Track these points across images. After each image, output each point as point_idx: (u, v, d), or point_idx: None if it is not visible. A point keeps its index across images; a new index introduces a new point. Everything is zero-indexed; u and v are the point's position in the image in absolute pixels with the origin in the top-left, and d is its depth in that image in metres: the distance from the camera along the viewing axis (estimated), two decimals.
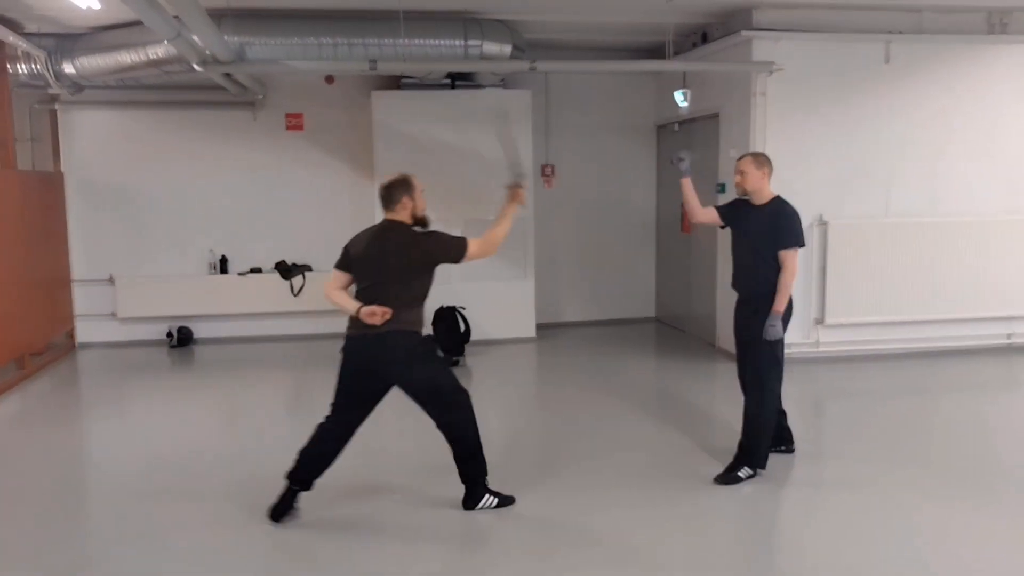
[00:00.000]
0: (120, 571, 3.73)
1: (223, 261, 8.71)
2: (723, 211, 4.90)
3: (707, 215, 4.94)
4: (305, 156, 8.75)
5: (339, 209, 8.85)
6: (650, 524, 4.16)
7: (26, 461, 5.23)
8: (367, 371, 4.07)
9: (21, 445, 5.50)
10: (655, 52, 8.69)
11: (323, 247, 8.56)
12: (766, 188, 4.64)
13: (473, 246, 4.12)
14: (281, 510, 4.12)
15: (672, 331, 9.15)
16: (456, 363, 7.68)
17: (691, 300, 8.78)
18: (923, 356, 7.58)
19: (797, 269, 4.57)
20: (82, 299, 8.61)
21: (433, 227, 4.24)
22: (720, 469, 4.72)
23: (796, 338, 7.52)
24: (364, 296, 4.04)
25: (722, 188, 7.80)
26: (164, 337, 8.67)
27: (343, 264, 4.18)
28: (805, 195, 7.29)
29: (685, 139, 8.75)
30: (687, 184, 4.94)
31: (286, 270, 8.59)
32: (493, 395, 6.98)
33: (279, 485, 4.16)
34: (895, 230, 7.47)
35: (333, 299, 4.11)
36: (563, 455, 5.14)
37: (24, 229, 7.39)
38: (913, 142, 7.48)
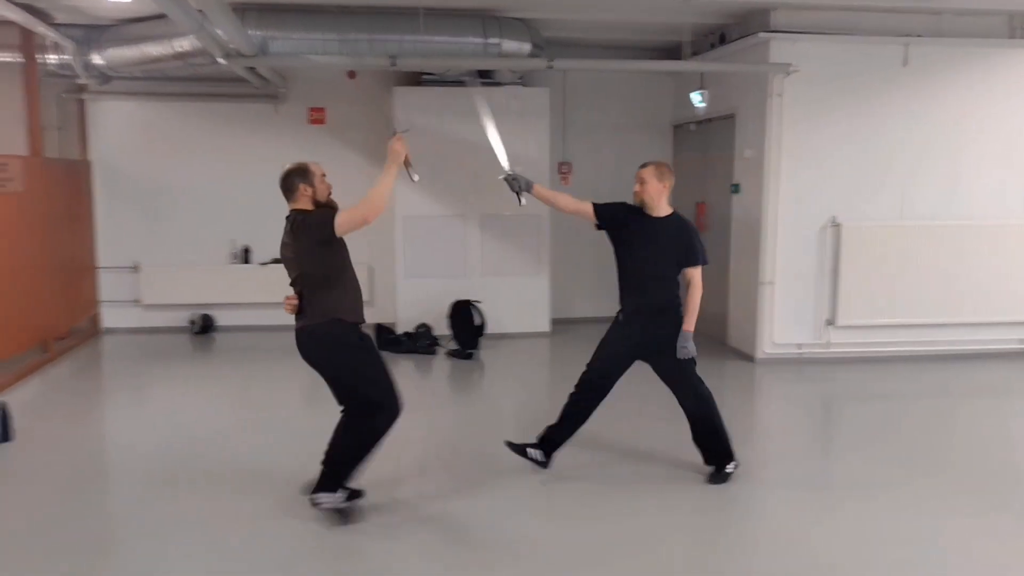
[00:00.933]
0: (137, 554, 3.86)
1: (245, 251, 8.86)
2: (603, 211, 4.63)
3: (580, 207, 4.67)
4: (327, 150, 8.85)
5: (358, 202, 8.95)
6: (649, 523, 4.24)
7: (47, 444, 5.37)
8: (313, 366, 4.10)
9: (42, 428, 5.64)
10: (673, 52, 8.73)
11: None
12: (663, 201, 4.52)
13: (342, 216, 3.93)
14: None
15: None
16: (471, 356, 7.78)
17: (702, 299, 8.80)
18: (936, 359, 7.59)
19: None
20: (107, 285, 8.79)
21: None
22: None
23: (808, 339, 7.55)
24: (295, 288, 4.06)
25: (736, 188, 7.85)
26: (186, 324, 8.83)
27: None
28: (819, 196, 7.37)
29: (700, 139, 8.80)
30: (538, 190, 4.72)
31: None
32: (505, 389, 7.08)
33: (294, 472, 4.27)
34: (910, 233, 7.48)
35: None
36: (567, 450, 5.22)
37: (51, 216, 7.56)
38: (930, 145, 7.48)
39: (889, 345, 7.64)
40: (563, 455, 4.80)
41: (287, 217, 4.06)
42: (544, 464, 4.71)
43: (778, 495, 4.61)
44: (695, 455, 4.78)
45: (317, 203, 4.07)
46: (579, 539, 4.01)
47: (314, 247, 3.96)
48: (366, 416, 4.06)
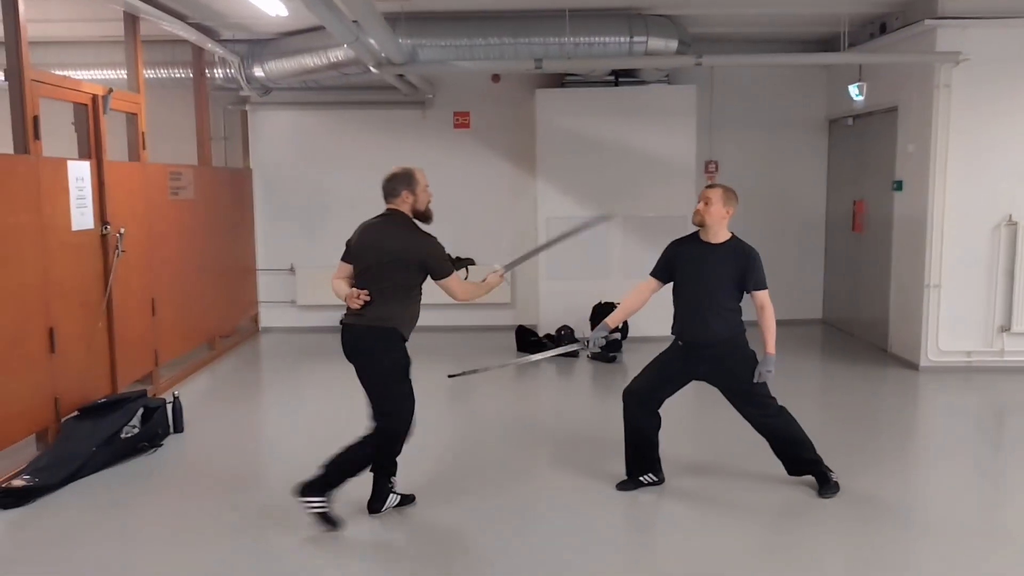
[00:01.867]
0: (287, 543, 4.03)
1: None
2: (660, 273, 4.54)
3: (645, 289, 4.57)
4: (471, 153, 9.02)
5: (502, 205, 9.09)
6: (764, 531, 4.05)
7: (214, 436, 5.71)
8: (354, 364, 4.14)
9: (210, 421, 6.00)
10: (828, 43, 8.35)
11: (487, 241, 8.84)
12: (724, 227, 4.33)
13: (454, 279, 4.08)
14: (375, 503, 4.26)
15: (840, 334, 8.78)
16: (613, 359, 7.70)
17: (861, 302, 8.39)
18: None
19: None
20: (265, 287, 9.27)
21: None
22: (868, 484, 4.55)
23: (978, 346, 7.04)
24: (357, 283, 4.09)
25: (898, 185, 7.41)
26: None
27: (345, 255, 4.23)
28: (992, 193, 6.87)
29: (858, 134, 8.36)
30: (611, 322, 4.66)
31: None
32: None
33: (431, 464, 4.35)
34: None
35: (334, 287, 4.22)
36: (710, 454, 5.06)
37: (218, 221, 8.05)
38: None
39: None
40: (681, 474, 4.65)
41: (390, 216, 4.14)
42: (659, 480, 4.59)
43: (941, 520, 4.27)
44: (853, 460, 4.53)
45: (416, 211, 4.13)
46: (701, 556, 3.88)
47: (415, 265, 4.02)
48: (379, 430, 4.09)
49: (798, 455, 4.47)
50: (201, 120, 7.92)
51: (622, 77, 8.35)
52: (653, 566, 3.83)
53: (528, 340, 8.17)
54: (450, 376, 5.05)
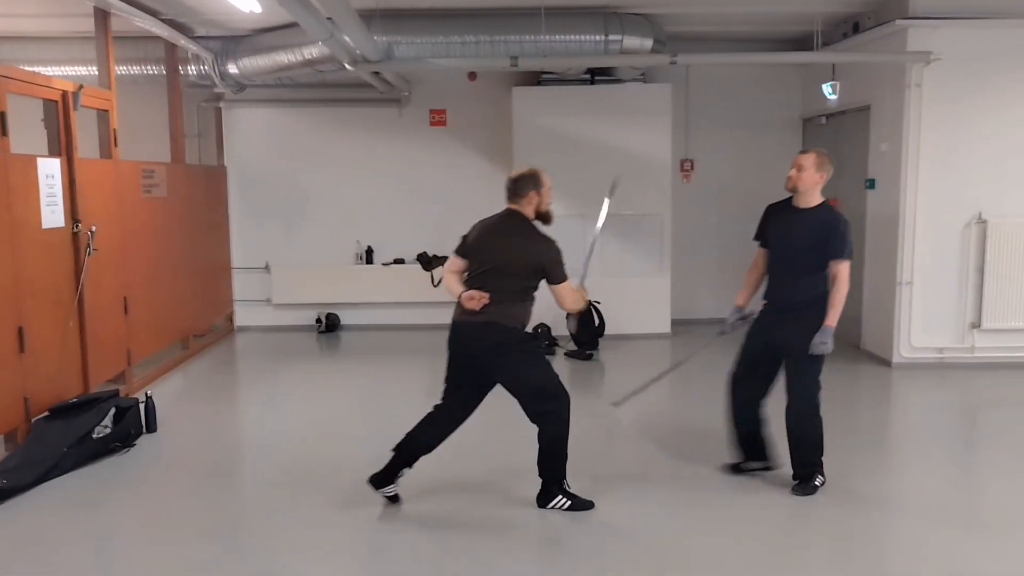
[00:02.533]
0: (264, 543, 4.00)
1: (369, 252, 9.10)
2: (759, 231, 4.59)
3: (759, 265, 4.59)
4: (447, 151, 9.01)
5: (478, 203, 8.99)
6: (742, 534, 4.09)
7: (188, 435, 5.66)
8: (465, 359, 4.14)
9: (183, 420, 5.95)
10: (802, 43, 8.42)
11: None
12: (817, 192, 4.33)
13: (566, 286, 4.13)
14: (381, 479, 4.26)
15: None
16: (590, 357, 7.72)
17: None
18: None
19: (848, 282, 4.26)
20: (241, 285, 9.20)
21: (558, 219, 4.27)
22: (842, 479, 4.60)
23: (950, 343, 7.13)
24: (473, 282, 4.09)
25: (871, 184, 7.49)
26: (313, 323, 9.14)
27: (460, 250, 4.25)
28: (963, 192, 6.96)
29: (831, 133, 8.44)
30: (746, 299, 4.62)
31: (427, 261, 8.91)
32: (625, 390, 6.96)
33: (418, 469, 4.34)
34: None
35: (446, 282, 4.24)
36: (681, 454, 5.09)
37: (192, 219, 7.97)
38: None
39: None
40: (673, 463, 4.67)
41: (512, 215, 4.18)
42: (769, 467, 4.63)
43: (914, 516, 4.33)
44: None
45: (538, 212, 4.19)
46: (703, 545, 3.90)
47: (537, 268, 4.07)
48: (548, 408, 4.12)
49: (805, 452, 4.44)
50: (174, 117, 7.84)
51: (598, 75, 8.37)
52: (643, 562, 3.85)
53: None
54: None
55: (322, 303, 9.13)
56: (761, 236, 4.57)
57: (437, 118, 9.01)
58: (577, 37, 7.11)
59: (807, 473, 4.45)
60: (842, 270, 4.23)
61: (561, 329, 8.05)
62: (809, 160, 4.30)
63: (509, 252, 4.07)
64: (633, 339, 8.37)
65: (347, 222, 9.11)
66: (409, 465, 4.30)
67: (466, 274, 4.17)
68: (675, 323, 8.63)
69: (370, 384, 7.15)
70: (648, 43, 7.27)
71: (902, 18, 6.75)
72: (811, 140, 9.00)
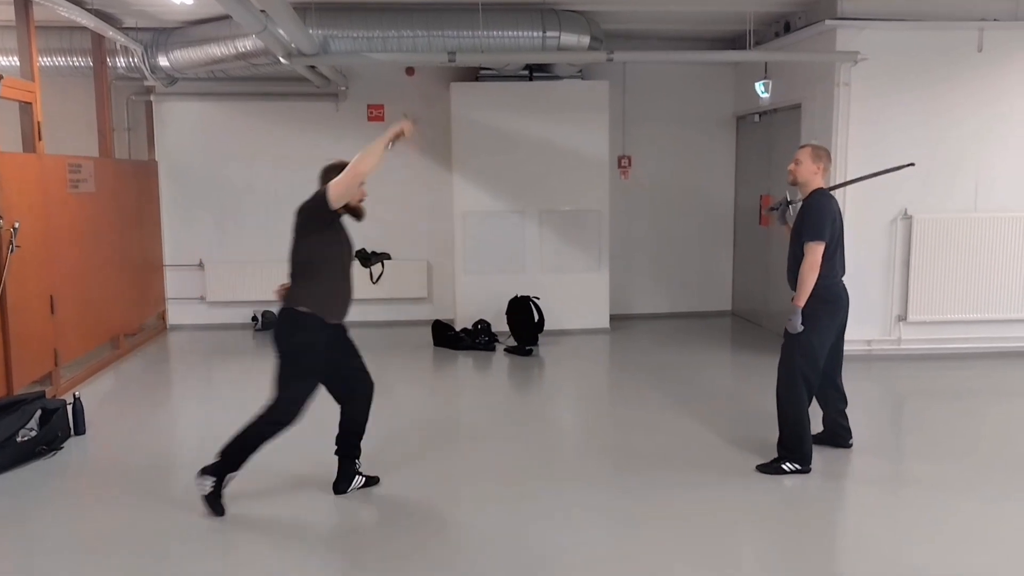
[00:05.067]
0: (201, 546, 3.92)
1: None
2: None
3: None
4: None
5: (418, 199, 9.03)
6: (697, 518, 4.15)
7: (118, 438, 5.51)
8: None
9: (114, 422, 5.79)
10: (735, 42, 8.57)
11: (402, 235, 8.79)
12: (812, 183, 4.58)
13: (332, 184, 4.04)
14: (343, 483, 4.39)
15: (749, 325, 9.04)
16: (530, 352, 7.75)
17: (768, 294, 8.66)
18: (1012, 356, 7.32)
19: (818, 264, 4.43)
20: (173, 283, 8.99)
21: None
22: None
23: (878, 335, 7.35)
24: None
25: None
26: (249, 321, 8.98)
27: None
28: (889, 188, 7.13)
29: (764, 130, 8.62)
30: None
31: (366, 258, 8.75)
32: (563, 385, 7.03)
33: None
34: (984, 225, 7.22)
35: None
36: (625, 446, 5.16)
37: (122, 215, 7.76)
38: (1006, 134, 7.21)
39: (963, 341, 7.39)
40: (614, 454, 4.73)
41: None
42: (800, 470, 4.69)
43: (848, 494, 4.49)
44: (757, 450, 4.67)
45: (347, 206, 4.20)
46: (644, 538, 3.95)
47: (306, 229, 4.08)
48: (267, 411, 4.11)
49: (782, 429, 4.66)
50: (102, 110, 7.62)
51: (536, 72, 8.39)
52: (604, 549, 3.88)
53: (445, 335, 8.14)
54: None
55: (258, 300, 8.97)
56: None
57: (375, 113, 8.93)
58: (514, 33, 7.12)
59: (780, 455, 4.65)
60: (809, 251, 4.44)
61: (501, 325, 8.07)
62: (805, 153, 4.59)
63: (295, 230, 4.16)
64: (572, 334, 8.43)
65: (284, 218, 8.74)
66: (357, 456, 4.40)
67: None
68: (613, 318, 8.71)
69: None
70: (585, 40, 7.32)
71: (831, 18, 6.93)
72: (744, 138, 9.19)
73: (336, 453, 4.40)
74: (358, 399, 4.36)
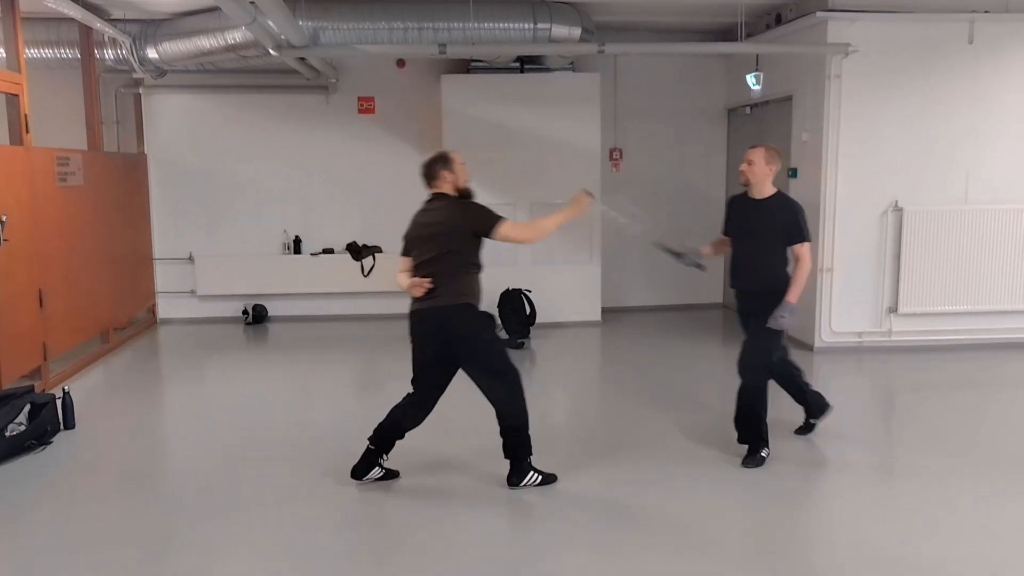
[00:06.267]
0: (196, 538, 3.91)
1: (296, 242, 8.94)
2: (725, 221, 4.90)
3: (724, 243, 4.91)
4: (376, 139, 8.90)
5: (409, 191, 8.90)
6: (691, 507, 4.17)
7: (108, 432, 5.48)
8: (424, 344, 4.23)
9: (103, 416, 5.77)
10: (727, 34, 8.56)
11: (393, 229, 8.66)
12: (768, 183, 4.61)
13: (507, 225, 4.14)
14: (361, 470, 4.37)
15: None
16: (521, 345, 7.75)
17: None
18: (1002, 348, 7.35)
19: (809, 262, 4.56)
20: (163, 276, 8.95)
21: (495, 208, 4.31)
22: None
23: (868, 327, 7.37)
24: (418, 271, 4.19)
25: (793, 173, 7.67)
26: (240, 314, 8.95)
27: (403, 249, 4.35)
28: (880, 180, 7.18)
29: (756, 123, 8.62)
30: (707, 252, 4.93)
31: (357, 251, 8.74)
32: (555, 377, 7.03)
33: (346, 454, 4.31)
34: (975, 217, 7.23)
35: (398, 282, 4.30)
36: (616, 438, 5.15)
37: (110, 209, 7.71)
38: (997, 126, 7.22)
39: (954, 333, 7.41)
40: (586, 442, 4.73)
41: (433, 198, 4.28)
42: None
43: (836, 487, 4.51)
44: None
45: (458, 189, 4.26)
46: (622, 529, 3.95)
47: (464, 234, 4.13)
48: (504, 384, 4.20)
49: (752, 421, 4.69)
50: (90, 103, 7.57)
51: (527, 64, 8.37)
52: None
53: None
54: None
55: (248, 294, 8.94)
56: (726, 226, 4.87)
57: (365, 106, 8.89)
58: (506, 25, 7.09)
59: (754, 445, 4.68)
60: (804, 252, 4.53)
61: (494, 316, 8.05)
62: (758, 155, 4.59)
63: (437, 228, 4.15)
64: (564, 327, 8.43)
65: (274, 211, 8.93)
66: (387, 451, 4.39)
67: (413, 264, 4.26)
68: (605, 311, 8.71)
69: (299, 377, 7.04)
70: (576, 32, 7.29)
71: (822, 10, 6.92)
72: (736, 130, 9.19)
73: (370, 439, 4.37)
74: (428, 405, 4.37)
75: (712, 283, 9.52)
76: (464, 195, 4.29)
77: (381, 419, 4.36)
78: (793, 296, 4.48)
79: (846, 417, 5.84)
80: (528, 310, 8.00)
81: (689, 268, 5.00)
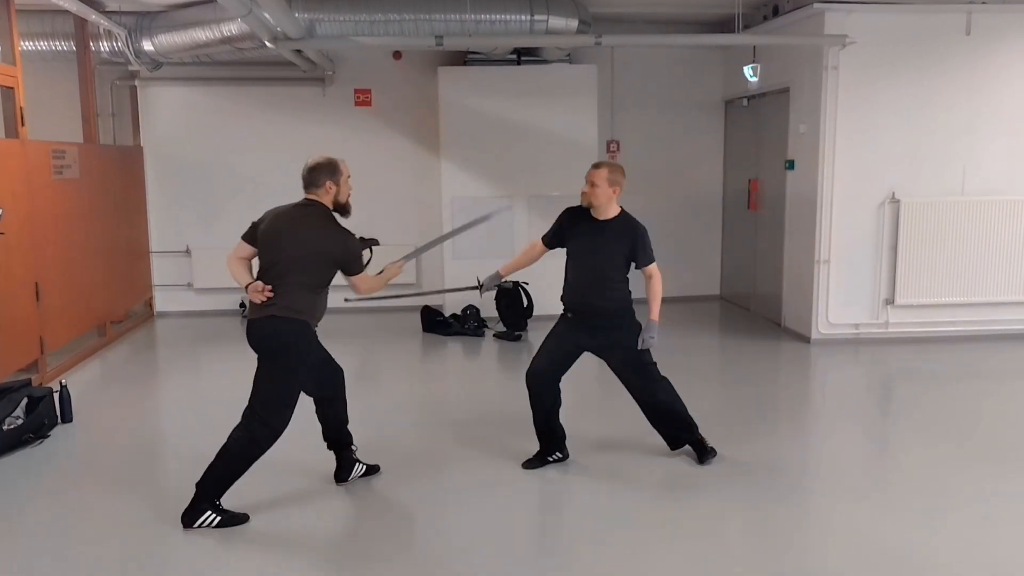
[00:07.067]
0: (191, 533, 3.91)
1: None
2: (550, 239, 4.62)
3: (533, 251, 4.71)
4: (373, 131, 8.88)
5: (406, 184, 9.00)
6: (690, 506, 4.17)
7: (105, 425, 5.49)
8: (258, 354, 3.96)
9: (101, 410, 5.77)
10: (724, 25, 8.54)
11: (390, 222, 8.75)
12: (613, 204, 4.40)
13: (362, 277, 4.01)
14: (343, 473, 4.37)
15: (737, 309, 9.06)
16: (519, 338, 7.75)
17: (756, 278, 8.67)
18: (999, 339, 7.36)
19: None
20: (160, 270, 8.93)
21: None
22: (761, 451, 4.70)
23: (865, 319, 7.38)
24: (265, 274, 3.88)
25: (790, 165, 7.67)
26: (237, 307, 8.94)
27: (249, 236, 4.05)
28: (877, 172, 7.18)
29: (753, 114, 8.61)
30: (505, 271, 4.79)
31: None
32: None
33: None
34: (972, 209, 7.23)
35: (230, 267, 4.03)
36: (610, 432, 5.16)
37: (106, 202, 7.69)
38: (993, 118, 7.21)
39: (950, 325, 7.42)
40: (585, 450, 4.79)
41: (309, 205, 4.01)
42: (564, 457, 4.65)
43: (832, 478, 4.51)
44: (737, 434, 4.69)
45: (336, 203, 4.02)
46: (617, 532, 3.96)
47: (331, 261, 3.91)
48: (253, 425, 3.92)
49: (677, 427, 4.63)
50: (86, 96, 7.54)
51: (524, 56, 8.35)
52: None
53: (434, 320, 8.14)
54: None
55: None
56: (554, 239, 4.59)
57: (362, 98, 8.87)
58: (502, 17, 7.08)
59: (693, 441, 4.63)
60: (654, 270, 4.44)
61: (490, 311, 8.06)
62: (601, 177, 4.32)
63: (304, 245, 3.87)
64: None
65: (270, 204, 8.59)
66: (349, 445, 4.35)
67: (259, 265, 3.98)
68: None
69: None
70: (573, 23, 7.28)
71: (819, 2, 6.90)
72: (733, 121, 9.18)
73: (329, 446, 4.36)
74: (338, 395, 4.32)
75: (709, 275, 9.54)
76: (340, 211, 4.04)
77: (351, 419, 4.39)
78: (656, 313, 4.38)
79: (843, 409, 5.87)
80: (525, 302, 8.00)
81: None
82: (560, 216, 4.59)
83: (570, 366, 4.57)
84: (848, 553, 3.63)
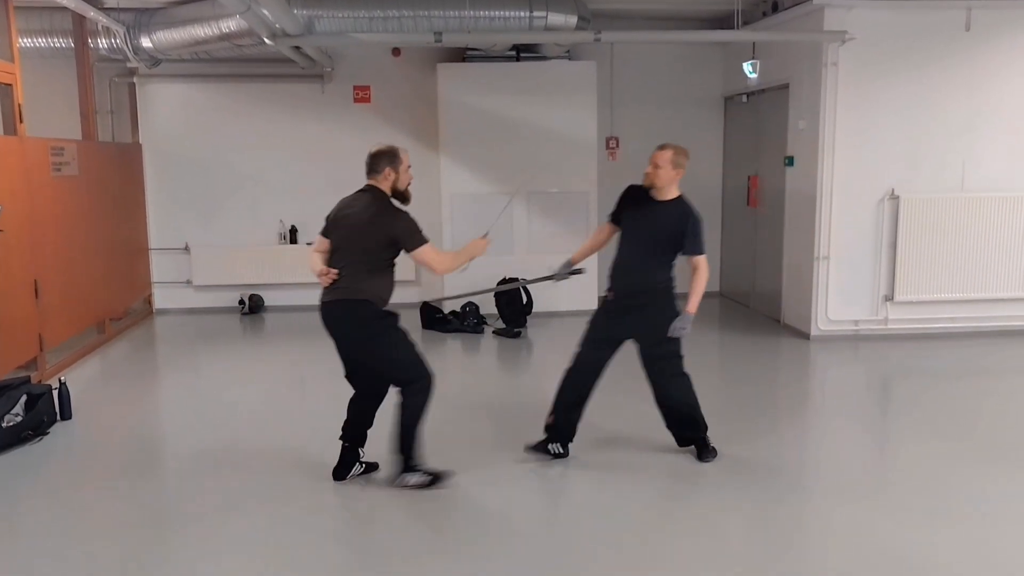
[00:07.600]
0: (190, 530, 3.91)
1: (293, 231, 8.92)
2: (616, 210, 4.62)
3: (604, 232, 4.75)
4: (372, 128, 8.85)
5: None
6: (688, 505, 4.17)
7: (105, 423, 5.48)
8: (334, 339, 4.14)
9: (100, 407, 5.76)
10: (723, 22, 8.53)
11: None
12: (674, 187, 4.44)
13: (429, 249, 4.08)
14: (342, 470, 4.33)
15: (737, 306, 9.05)
16: (518, 334, 7.75)
17: (756, 275, 8.67)
18: (998, 335, 7.36)
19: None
20: (159, 266, 8.93)
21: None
22: (761, 449, 4.68)
23: (865, 315, 7.38)
24: (333, 259, 4.09)
25: (790, 161, 7.66)
26: (236, 304, 8.94)
27: (324, 229, 4.22)
28: (876, 168, 7.17)
29: (752, 111, 8.60)
30: (576, 258, 4.82)
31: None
32: (551, 366, 7.01)
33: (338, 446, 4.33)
34: (972, 205, 7.23)
35: (309, 261, 4.22)
36: (609, 429, 5.16)
37: (105, 199, 7.68)
38: (993, 114, 7.20)
39: (950, 321, 7.43)
40: (586, 447, 4.80)
41: (368, 190, 4.16)
42: (564, 455, 4.64)
43: (831, 481, 4.51)
44: (739, 432, 4.69)
45: (395, 190, 4.16)
46: (616, 529, 3.96)
47: (390, 241, 4.03)
48: (409, 392, 4.11)
49: (686, 425, 4.62)
50: (85, 93, 7.53)
51: (523, 52, 8.34)
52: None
53: (433, 317, 8.13)
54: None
55: (245, 284, 8.93)
56: (616, 215, 4.62)
57: (361, 95, 8.86)
58: (501, 13, 7.06)
59: (698, 440, 4.63)
60: (701, 262, 4.44)
61: (489, 308, 8.06)
62: (666, 158, 4.38)
63: (358, 227, 4.04)
64: (560, 316, 8.41)
65: (270, 201, 8.91)
66: (362, 445, 4.35)
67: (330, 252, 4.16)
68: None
69: (295, 367, 7.04)
70: (573, 20, 7.27)
71: None
72: (732, 118, 9.17)
73: (341, 439, 4.34)
74: (380, 392, 4.33)
75: (709, 271, 9.51)
76: (399, 198, 4.18)
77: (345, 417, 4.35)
78: (693, 306, 4.40)
79: (843, 406, 5.87)
80: (524, 299, 8.00)
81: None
82: (622, 193, 4.63)
83: (611, 357, 4.56)
84: (848, 552, 3.62)
